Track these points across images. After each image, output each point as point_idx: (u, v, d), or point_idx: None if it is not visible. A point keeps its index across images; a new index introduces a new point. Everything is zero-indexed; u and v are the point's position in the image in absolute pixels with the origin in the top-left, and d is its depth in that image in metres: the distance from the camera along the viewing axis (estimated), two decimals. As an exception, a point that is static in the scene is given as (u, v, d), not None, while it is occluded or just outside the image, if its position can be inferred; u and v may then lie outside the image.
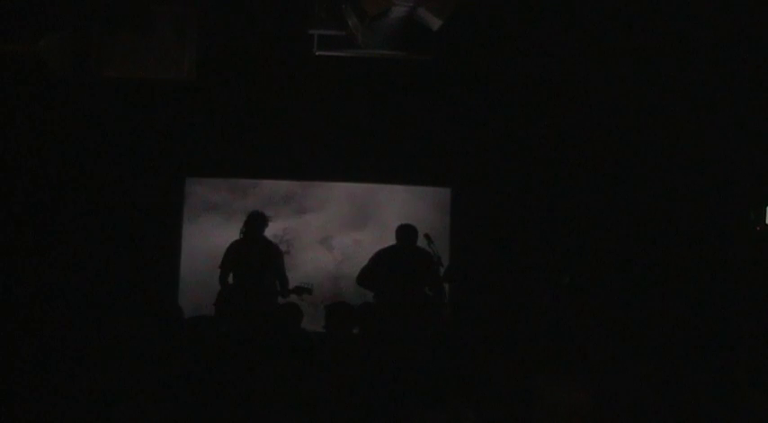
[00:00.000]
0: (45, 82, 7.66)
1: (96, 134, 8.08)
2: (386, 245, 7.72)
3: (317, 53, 6.87)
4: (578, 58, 8.00)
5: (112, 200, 8.08)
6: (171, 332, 5.75)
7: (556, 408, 4.25)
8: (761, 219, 8.06)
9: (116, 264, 7.91)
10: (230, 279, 7.57)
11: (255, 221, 7.64)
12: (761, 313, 7.46)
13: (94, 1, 7.44)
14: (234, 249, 7.63)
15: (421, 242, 7.65)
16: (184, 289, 8.27)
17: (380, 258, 7.63)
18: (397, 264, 7.53)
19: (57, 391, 5.13)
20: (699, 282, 7.90)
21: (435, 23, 5.67)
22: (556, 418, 4.25)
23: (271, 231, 7.95)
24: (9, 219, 7.75)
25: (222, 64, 7.99)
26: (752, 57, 7.65)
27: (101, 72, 7.55)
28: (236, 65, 8.06)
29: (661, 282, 7.97)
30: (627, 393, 4.82)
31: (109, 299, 7.69)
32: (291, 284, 7.65)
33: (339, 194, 8.62)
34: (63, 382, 5.21)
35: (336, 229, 8.58)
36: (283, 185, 8.58)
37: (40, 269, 7.77)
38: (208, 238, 8.21)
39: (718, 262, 7.93)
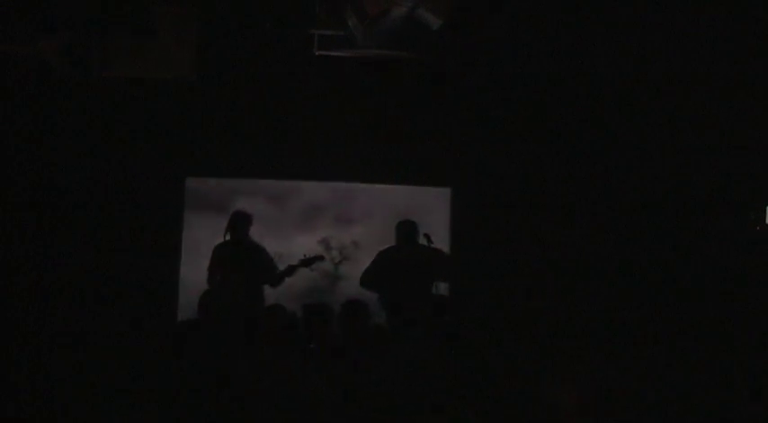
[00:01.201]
0: (45, 82, 7.67)
1: (96, 134, 8.08)
2: (385, 245, 7.71)
3: (317, 53, 6.88)
4: (579, 58, 8.00)
5: (113, 199, 8.08)
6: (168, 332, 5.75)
7: (556, 408, 4.25)
8: (761, 219, 8.07)
9: (116, 263, 7.90)
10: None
11: (239, 222, 7.53)
12: (760, 313, 7.46)
13: (94, 1, 7.44)
14: (219, 251, 7.53)
15: (421, 242, 7.64)
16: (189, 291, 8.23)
17: (383, 259, 7.60)
18: (400, 263, 7.49)
19: (55, 389, 5.13)
20: (699, 281, 7.89)
21: (435, 23, 5.67)
22: (556, 418, 4.25)
23: (273, 232, 7.96)
24: (8, 218, 7.75)
25: (222, 64, 7.99)
26: (752, 55, 7.65)
27: (101, 72, 7.56)
28: (236, 65, 8.05)
29: (661, 281, 7.97)
30: (627, 393, 4.82)
31: (108, 298, 7.70)
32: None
33: (338, 194, 8.62)
34: (61, 381, 5.22)
35: (335, 230, 8.57)
36: (282, 185, 8.56)
37: (40, 269, 7.77)
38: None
39: (717, 262, 7.93)
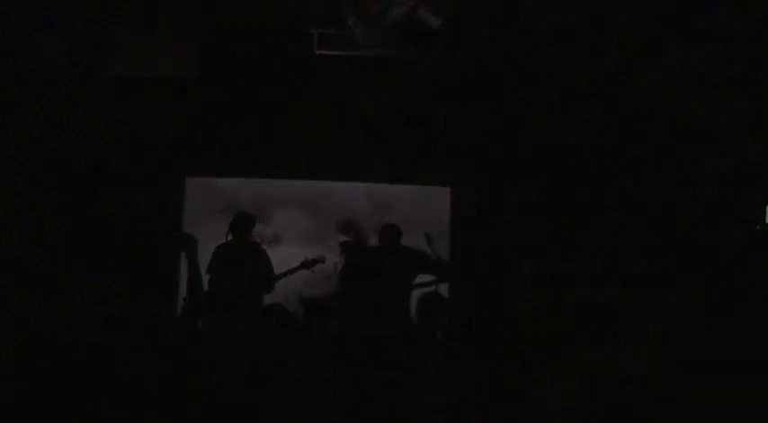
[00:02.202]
0: (45, 82, 7.67)
1: (96, 134, 8.08)
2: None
3: (317, 52, 6.88)
4: (579, 57, 8.00)
5: (113, 199, 8.07)
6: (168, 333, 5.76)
7: (555, 408, 4.26)
8: (761, 219, 8.05)
9: (116, 264, 7.90)
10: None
11: (242, 223, 7.51)
12: (760, 313, 7.45)
13: (94, 1, 7.45)
14: (220, 253, 7.51)
15: (421, 241, 7.63)
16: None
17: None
18: (383, 266, 7.46)
19: (55, 389, 5.14)
20: (698, 281, 7.89)
21: (435, 22, 5.66)
22: (556, 419, 4.26)
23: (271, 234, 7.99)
24: (8, 218, 7.75)
25: (222, 64, 7.98)
26: (752, 55, 7.65)
27: (101, 72, 7.57)
28: (236, 65, 8.04)
29: (660, 281, 7.96)
30: (626, 393, 4.83)
31: (108, 299, 7.69)
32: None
33: (338, 194, 8.61)
34: (61, 381, 5.22)
35: (335, 230, 8.56)
36: (279, 185, 8.56)
37: (40, 269, 7.76)
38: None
39: (717, 261, 7.93)
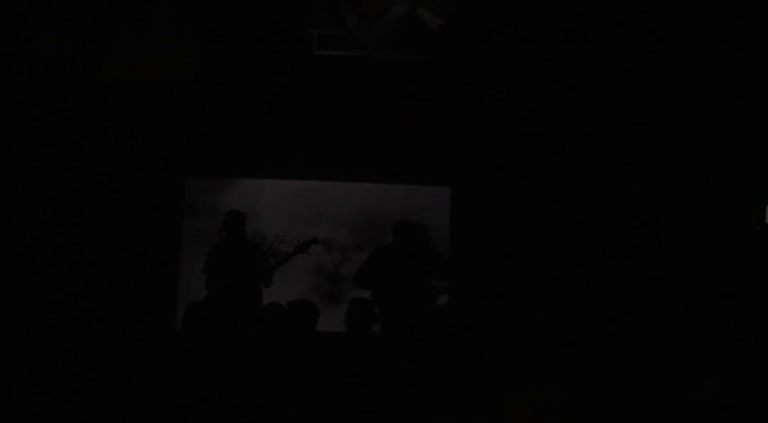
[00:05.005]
0: (45, 82, 7.67)
1: (96, 134, 8.08)
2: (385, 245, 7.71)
3: (316, 53, 6.88)
4: (579, 58, 8.01)
5: (113, 199, 8.08)
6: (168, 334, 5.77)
7: (545, 408, 4.27)
8: (761, 219, 8.06)
9: (116, 264, 7.90)
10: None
11: (233, 221, 7.53)
12: (760, 313, 7.46)
13: (94, 1, 7.45)
14: (215, 252, 7.53)
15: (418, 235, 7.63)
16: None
17: (378, 257, 7.59)
18: (397, 262, 7.47)
19: (54, 394, 5.14)
20: (698, 281, 7.89)
21: (435, 23, 5.66)
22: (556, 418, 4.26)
23: (273, 232, 7.96)
24: (8, 219, 7.76)
25: (222, 64, 7.99)
26: (752, 55, 7.66)
27: (101, 72, 7.57)
28: (236, 65, 8.05)
29: (661, 282, 7.97)
30: (624, 393, 4.83)
31: (107, 301, 7.70)
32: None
33: (338, 194, 8.61)
34: (59, 386, 5.22)
35: (335, 230, 8.57)
36: (280, 185, 8.56)
37: (39, 270, 7.77)
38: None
39: (717, 262, 7.93)
